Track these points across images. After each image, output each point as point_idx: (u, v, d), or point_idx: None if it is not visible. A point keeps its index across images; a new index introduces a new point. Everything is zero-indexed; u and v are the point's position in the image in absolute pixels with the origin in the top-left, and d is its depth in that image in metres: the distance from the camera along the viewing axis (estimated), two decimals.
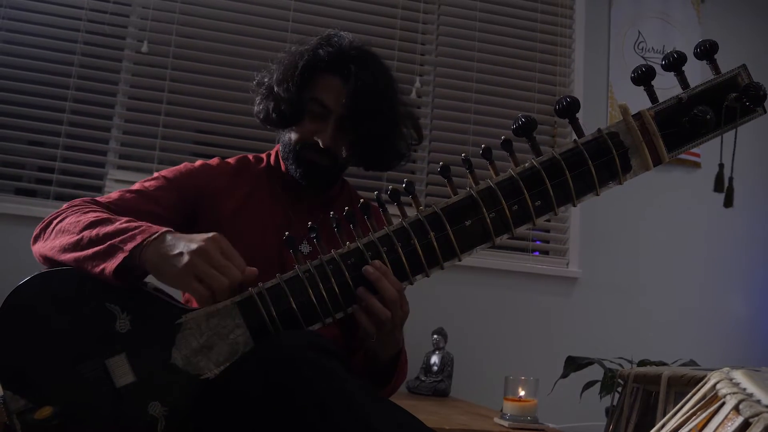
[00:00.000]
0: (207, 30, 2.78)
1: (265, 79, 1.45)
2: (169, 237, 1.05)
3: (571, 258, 2.96)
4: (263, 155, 1.52)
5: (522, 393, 1.82)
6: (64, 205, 1.22)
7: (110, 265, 1.02)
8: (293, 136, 1.40)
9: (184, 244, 1.03)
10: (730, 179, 1.09)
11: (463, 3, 3.04)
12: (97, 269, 1.04)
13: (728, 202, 1.09)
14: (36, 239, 1.19)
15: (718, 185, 1.10)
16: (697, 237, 3.13)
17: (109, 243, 1.05)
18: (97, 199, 1.27)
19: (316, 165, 1.38)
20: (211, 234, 1.05)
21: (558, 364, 2.24)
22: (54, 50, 2.64)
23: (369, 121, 1.36)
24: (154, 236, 1.05)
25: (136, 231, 1.06)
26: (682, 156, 3.07)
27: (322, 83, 1.38)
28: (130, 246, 1.03)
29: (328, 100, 1.36)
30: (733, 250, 3.17)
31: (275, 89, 1.41)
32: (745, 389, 0.60)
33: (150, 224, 1.09)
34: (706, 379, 0.67)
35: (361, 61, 1.39)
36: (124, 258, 1.02)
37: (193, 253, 1.01)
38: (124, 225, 1.08)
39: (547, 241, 3.03)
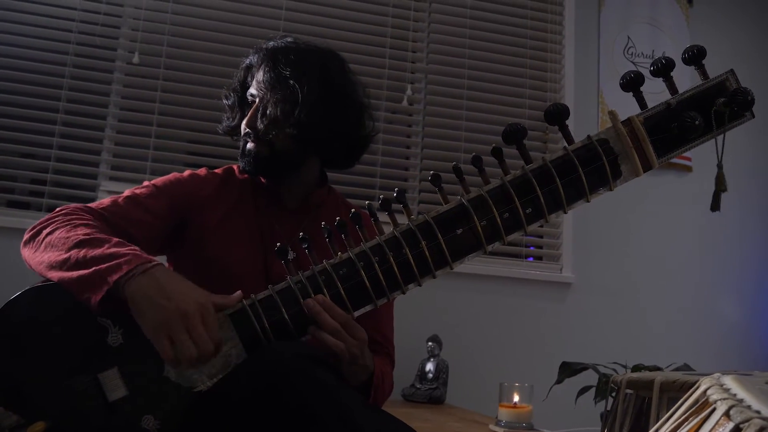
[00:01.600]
0: (198, 41, 2.78)
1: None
2: (158, 275, 1.03)
3: (564, 263, 2.96)
4: None
5: (517, 399, 1.82)
6: (56, 210, 1.21)
7: (94, 297, 1.01)
8: (241, 136, 1.44)
9: (170, 294, 1.01)
10: (717, 183, 1.10)
11: (453, 10, 3.06)
12: (82, 297, 1.03)
13: (715, 206, 1.10)
14: (25, 244, 1.17)
15: (721, 185, 1.10)
16: (689, 241, 3.14)
17: (94, 269, 1.03)
18: (89, 205, 1.26)
19: (251, 153, 1.37)
20: (202, 298, 1.03)
21: (553, 369, 2.23)
22: (45, 62, 2.63)
23: (280, 90, 1.34)
24: (140, 270, 1.03)
25: (122, 260, 1.04)
26: (674, 160, 3.10)
27: (252, 83, 1.42)
28: (114, 277, 1.01)
29: (253, 89, 1.40)
30: (725, 254, 3.18)
31: (224, 102, 1.50)
32: (735, 395, 0.60)
33: (137, 252, 1.07)
34: (697, 384, 0.67)
35: (281, 45, 1.42)
36: (108, 289, 1.01)
37: (174, 312, 0.99)
38: (112, 250, 1.06)
39: (541, 247, 3.04)
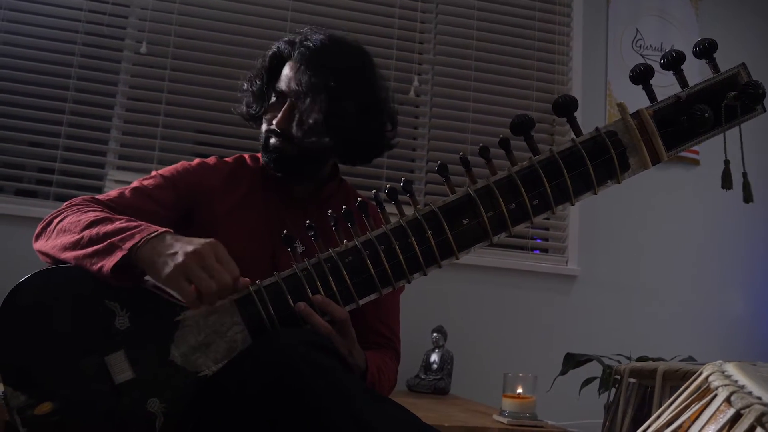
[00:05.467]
0: (205, 30, 2.78)
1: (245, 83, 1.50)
2: (168, 237, 1.05)
3: (570, 255, 2.97)
4: (259, 155, 1.52)
5: (520, 390, 1.83)
6: (64, 204, 1.23)
7: (108, 262, 1.03)
8: (262, 128, 1.42)
9: (181, 246, 1.03)
10: (744, 174, 1.09)
11: (461, 1, 3.05)
12: (96, 267, 1.04)
13: (748, 197, 1.09)
14: (37, 237, 1.19)
15: (726, 182, 1.09)
16: (696, 234, 3.13)
17: (108, 242, 1.05)
18: (96, 197, 1.27)
19: (278, 151, 1.36)
20: (210, 240, 1.05)
21: (557, 361, 2.24)
22: (53, 51, 2.64)
23: (323, 98, 1.31)
24: (152, 235, 1.05)
25: (135, 230, 1.06)
26: (682, 153, 3.10)
27: (283, 74, 1.39)
28: (128, 244, 1.03)
29: (284, 85, 1.37)
30: (732, 247, 3.17)
31: (246, 87, 1.46)
32: (736, 381, 0.60)
33: (149, 224, 1.10)
34: (699, 372, 0.67)
35: (319, 45, 1.38)
36: (123, 256, 1.03)
37: (187, 254, 1.01)
38: (124, 224, 1.09)
39: (547, 239, 3.04)
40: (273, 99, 1.40)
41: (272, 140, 1.37)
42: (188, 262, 1.00)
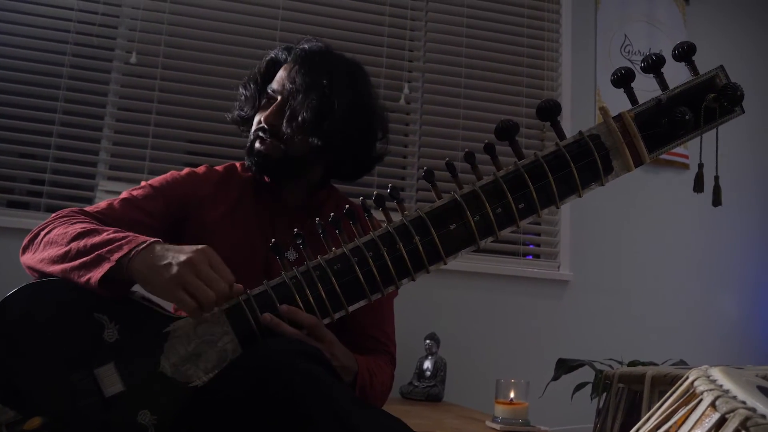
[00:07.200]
0: (195, 40, 2.79)
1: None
2: (158, 247, 1.05)
3: (562, 261, 2.97)
4: None
5: (513, 396, 1.83)
6: (51, 216, 1.22)
7: (95, 274, 1.03)
8: (252, 128, 1.42)
9: (173, 255, 1.03)
10: (716, 178, 1.10)
11: (450, 9, 3.06)
12: (83, 279, 1.04)
13: (717, 201, 1.10)
14: (24, 250, 1.19)
15: (698, 185, 1.10)
16: (687, 238, 3.14)
17: (96, 253, 1.05)
18: (85, 209, 1.27)
19: (261, 155, 1.36)
20: (200, 246, 1.05)
21: (550, 366, 2.24)
22: (43, 62, 2.64)
23: (314, 97, 1.32)
24: (142, 246, 1.05)
25: (123, 241, 1.06)
26: (671, 157, 3.14)
27: (277, 76, 1.42)
28: (116, 256, 1.03)
29: (277, 85, 1.40)
30: (723, 251, 3.18)
31: (240, 91, 1.48)
32: (721, 386, 0.60)
33: (137, 234, 1.09)
34: (685, 377, 0.67)
35: (315, 49, 1.42)
36: (110, 268, 1.02)
37: (181, 264, 1.01)
38: (111, 235, 1.08)
39: (539, 245, 3.04)
40: (264, 101, 1.42)
41: (257, 144, 1.37)
42: (183, 272, 1.00)
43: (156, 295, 1.05)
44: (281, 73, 1.40)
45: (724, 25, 3.40)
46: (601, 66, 3.17)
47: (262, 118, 1.38)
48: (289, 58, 1.42)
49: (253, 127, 1.40)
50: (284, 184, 1.43)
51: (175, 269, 1.01)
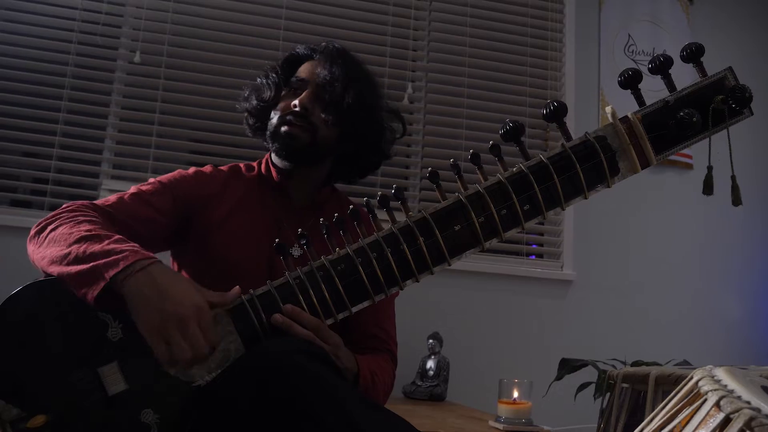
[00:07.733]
0: (199, 39, 2.79)
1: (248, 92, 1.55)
2: (155, 274, 1.03)
3: (565, 261, 2.97)
4: (254, 163, 1.53)
5: (516, 395, 1.83)
6: (62, 207, 1.22)
7: (91, 293, 1.02)
8: (274, 115, 1.44)
9: (168, 300, 1.00)
10: (733, 177, 1.09)
11: (454, 9, 3.06)
12: (80, 293, 1.04)
13: (737, 200, 1.09)
14: (30, 240, 1.19)
15: (707, 188, 1.10)
16: (690, 238, 3.14)
17: (92, 264, 1.03)
18: (95, 202, 1.27)
19: (291, 137, 1.39)
20: (199, 300, 1.03)
21: (553, 366, 2.24)
22: (47, 61, 2.64)
23: (345, 92, 1.40)
24: (138, 267, 1.03)
25: (121, 255, 1.04)
26: (675, 158, 3.13)
27: (302, 68, 1.48)
28: (111, 273, 1.02)
29: (305, 73, 1.45)
30: (727, 251, 3.18)
31: (259, 80, 1.51)
32: (726, 386, 0.60)
33: (137, 249, 1.07)
34: (689, 376, 0.67)
35: (336, 48, 1.49)
36: (105, 285, 1.02)
37: (171, 318, 0.99)
38: (111, 246, 1.06)
39: (542, 244, 3.04)
40: (287, 90, 1.46)
41: (284, 127, 1.40)
42: (170, 326, 0.99)
43: (137, 326, 1.02)
44: (308, 66, 1.46)
45: (728, 25, 3.39)
46: (605, 66, 3.16)
47: (296, 102, 1.40)
48: (315, 55, 1.48)
49: (278, 113, 1.43)
50: (297, 174, 1.45)
51: (162, 318, 0.99)
